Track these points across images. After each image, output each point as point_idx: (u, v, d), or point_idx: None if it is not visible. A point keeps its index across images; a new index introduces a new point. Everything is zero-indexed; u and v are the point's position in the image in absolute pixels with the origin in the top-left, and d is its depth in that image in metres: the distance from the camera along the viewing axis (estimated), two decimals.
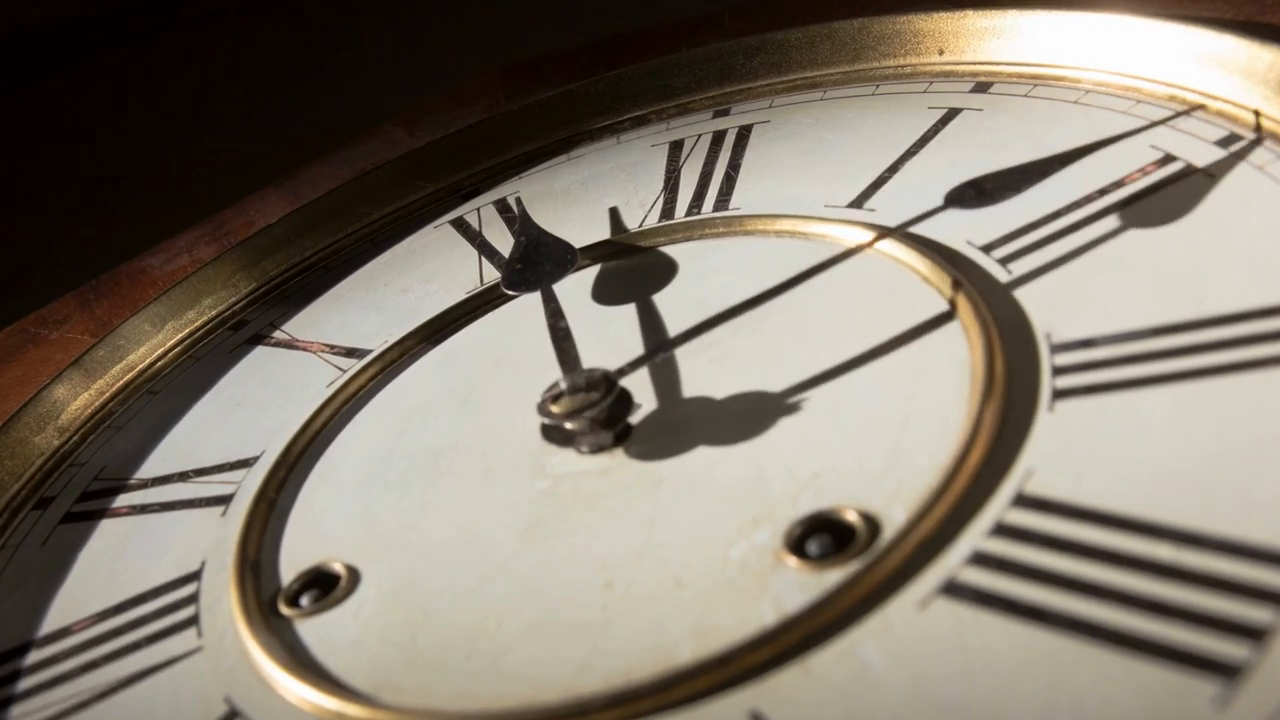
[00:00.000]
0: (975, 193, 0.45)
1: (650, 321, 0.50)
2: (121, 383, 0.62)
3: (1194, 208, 0.44)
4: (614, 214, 0.59)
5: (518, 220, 0.59)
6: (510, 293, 0.52)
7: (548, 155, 0.70)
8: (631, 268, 0.55)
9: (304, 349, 0.59)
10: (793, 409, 0.42)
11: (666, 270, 0.54)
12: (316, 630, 0.41)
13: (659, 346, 0.48)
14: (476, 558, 0.41)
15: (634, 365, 0.44)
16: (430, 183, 0.71)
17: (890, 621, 0.33)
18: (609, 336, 0.50)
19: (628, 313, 0.51)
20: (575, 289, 0.54)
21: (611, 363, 0.45)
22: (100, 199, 1.17)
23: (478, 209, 0.66)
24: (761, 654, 0.34)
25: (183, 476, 0.52)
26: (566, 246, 0.54)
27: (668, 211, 0.58)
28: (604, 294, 0.54)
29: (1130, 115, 0.52)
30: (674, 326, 0.49)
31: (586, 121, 0.71)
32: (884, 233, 0.49)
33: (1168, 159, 0.48)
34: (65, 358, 0.63)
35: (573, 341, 0.46)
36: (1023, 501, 0.35)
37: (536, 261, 0.53)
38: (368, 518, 0.45)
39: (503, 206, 0.65)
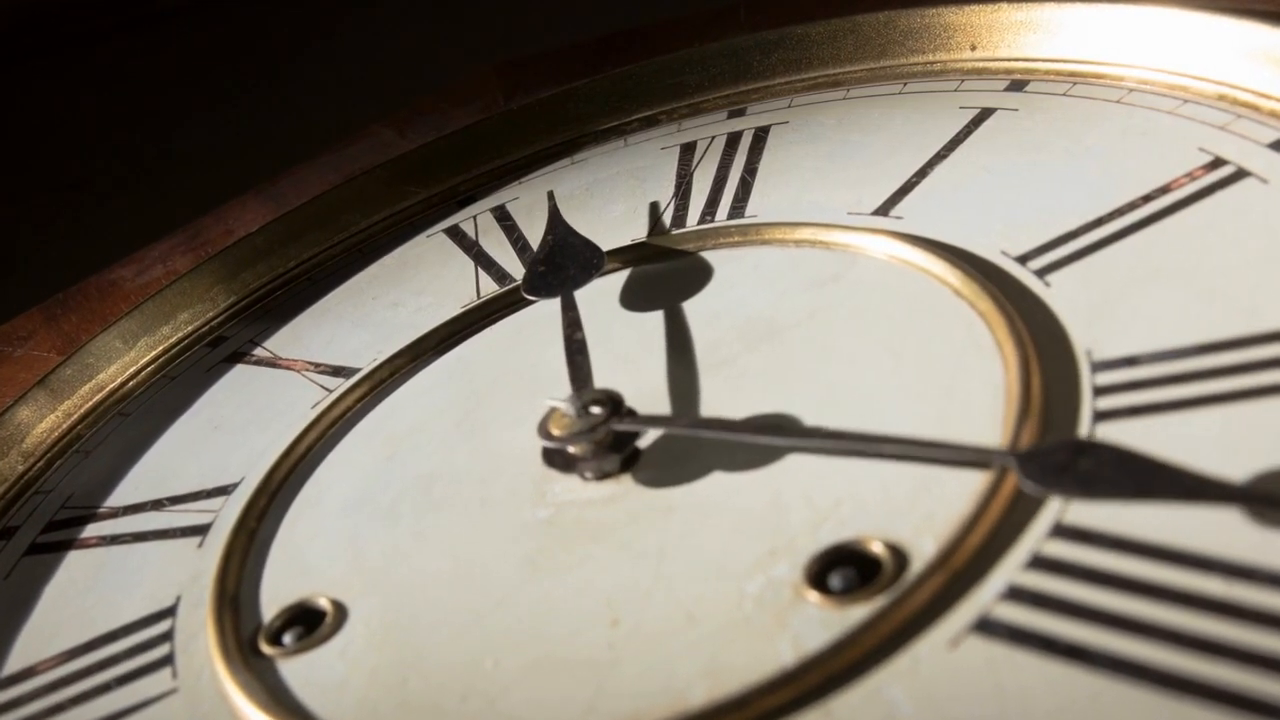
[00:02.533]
0: (1063, 470, 0.35)
1: (660, 338, 0.51)
2: (90, 404, 0.62)
3: (1246, 215, 0.45)
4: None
5: (548, 217, 0.59)
6: (530, 298, 0.53)
7: (549, 159, 0.71)
8: (645, 277, 0.56)
9: (287, 367, 0.59)
10: (814, 432, 0.42)
11: (681, 281, 0.54)
12: (300, 670, 0.41)
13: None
14: (472, 592, 0.41)
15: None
16: (423, 188, 0.71)
17: (919, 661, 0.33)
18: (615, 351, 0.50)
19: (635, 325, 0.52)
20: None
21: (620, 382, 0.45)
22: (68, 206, 1.18)
23: (474, 216, 0.67)
24: (780, 696, 0.34)
25: (156, 505, 0.52)
26: (593, 249, 0.54)
27: (679, 219, 0.58)
28: (626, 301, 0.54)
29: (1177, 115, 0.52)
30: (684, 342, 0.50)
31: (591, 123, 0.71)
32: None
33: (1217, 163, 0.48)
34: (30, 377, 0.63)
35: (587, 356, 0.46)
36: (1061, 532, 0.35)
37: (561, 264, 0.54)
38: (355, 549, 0.46)
39: (501, 214, 0.66)
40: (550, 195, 0.64)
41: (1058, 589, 0.34)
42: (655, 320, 0.52)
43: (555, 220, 0.59)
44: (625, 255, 0.57)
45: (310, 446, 0.52)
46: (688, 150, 0.65)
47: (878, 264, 0.50)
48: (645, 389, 0.47)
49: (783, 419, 0.43)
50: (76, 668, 0.45)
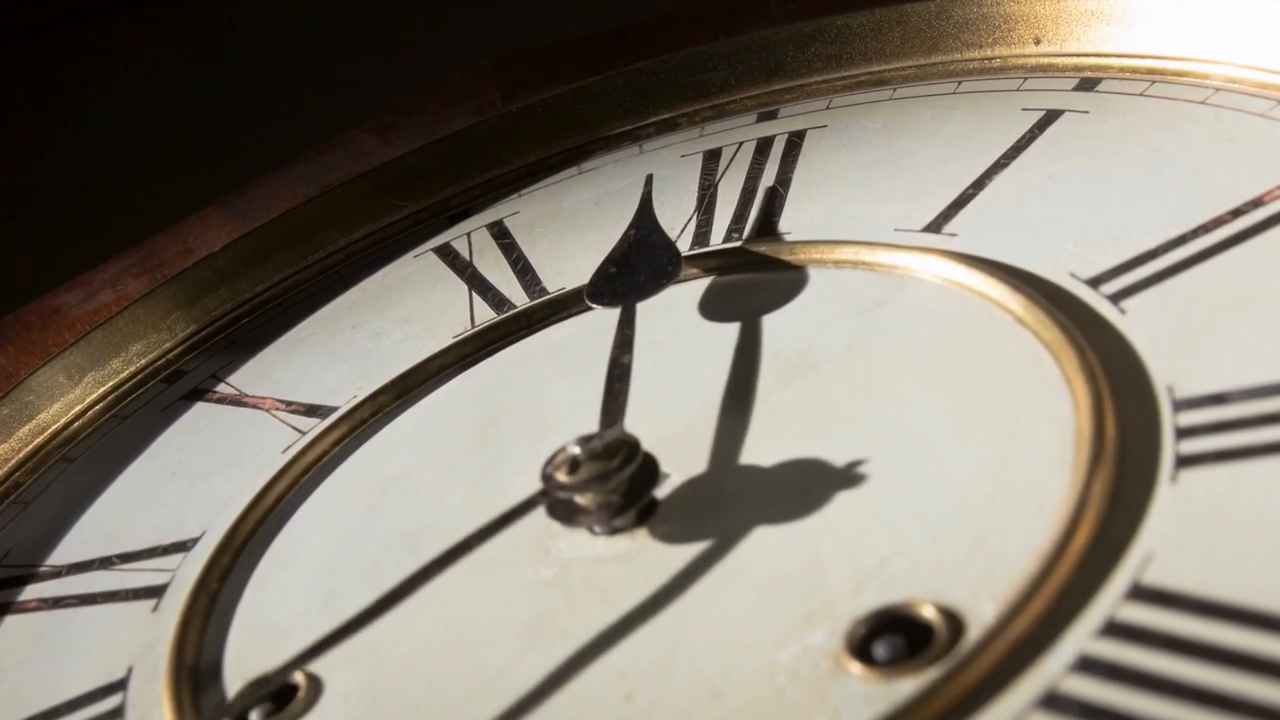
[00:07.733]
0: None
1: (678, 369, 0.51)
2: (30, 447, 0.62)
3: None
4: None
5: (638, 207, 0.59)
6: (592, 305, 0.53)
7: (554, 168, 0.71)
8: (676, 298, 0.56)
9: (254, 406, 0.60)
10: (856, 480, 0.43)
11: (708, 306, 0.54)
12: None
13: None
14: (466, 664, 0.42)
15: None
16: (410, 202, 0.72)
17: None
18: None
19: (646, 352, 0.52)
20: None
21: (634, 418, 0.45)
22: (4, 222, 1.19)
23: (468, 234, 0.67)
24: None
25: (105, 563, 0.53)
26: (671, 254, 0.54)
27: (701, 237, 0.59)
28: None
29: (1269, 118, 0.52)
30: (711, 378, 0.50)
31: (601, 126, 0.72)
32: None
33: None
34: None
35: (627, 386, 0.46)
36: (1140, 593, 0.36)
37: (634, 268, 0.53)
38: (332, 614, 0.46)
39: (498, 231, 0.66)
40: (648, 180, 0.63)
41: (1136, 659, 0.34)
42: (672, 347, 0.52)
43: (644, 212, 0.58)
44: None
45: (281, 496, 0.53)
46: (712, 158, 0.66)
47: (929, 288, 0.50)
48: (665, 429, 0.47)
49: (819, 463, 0.44)
50: None
